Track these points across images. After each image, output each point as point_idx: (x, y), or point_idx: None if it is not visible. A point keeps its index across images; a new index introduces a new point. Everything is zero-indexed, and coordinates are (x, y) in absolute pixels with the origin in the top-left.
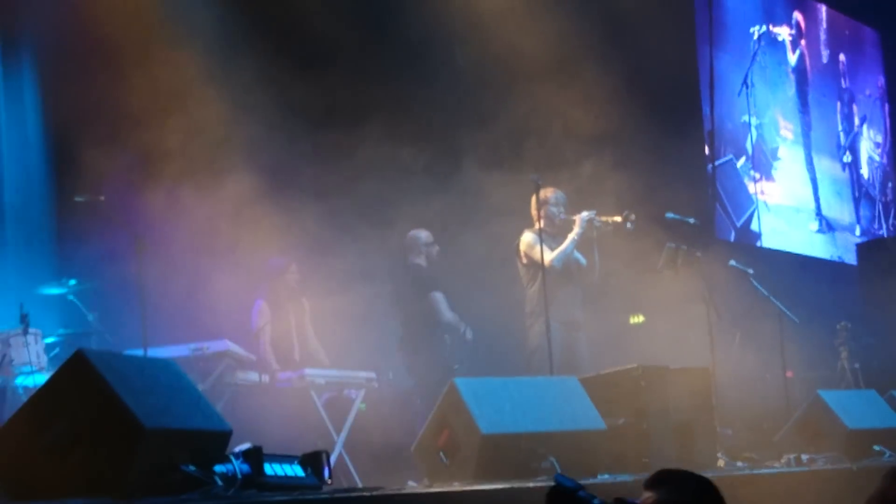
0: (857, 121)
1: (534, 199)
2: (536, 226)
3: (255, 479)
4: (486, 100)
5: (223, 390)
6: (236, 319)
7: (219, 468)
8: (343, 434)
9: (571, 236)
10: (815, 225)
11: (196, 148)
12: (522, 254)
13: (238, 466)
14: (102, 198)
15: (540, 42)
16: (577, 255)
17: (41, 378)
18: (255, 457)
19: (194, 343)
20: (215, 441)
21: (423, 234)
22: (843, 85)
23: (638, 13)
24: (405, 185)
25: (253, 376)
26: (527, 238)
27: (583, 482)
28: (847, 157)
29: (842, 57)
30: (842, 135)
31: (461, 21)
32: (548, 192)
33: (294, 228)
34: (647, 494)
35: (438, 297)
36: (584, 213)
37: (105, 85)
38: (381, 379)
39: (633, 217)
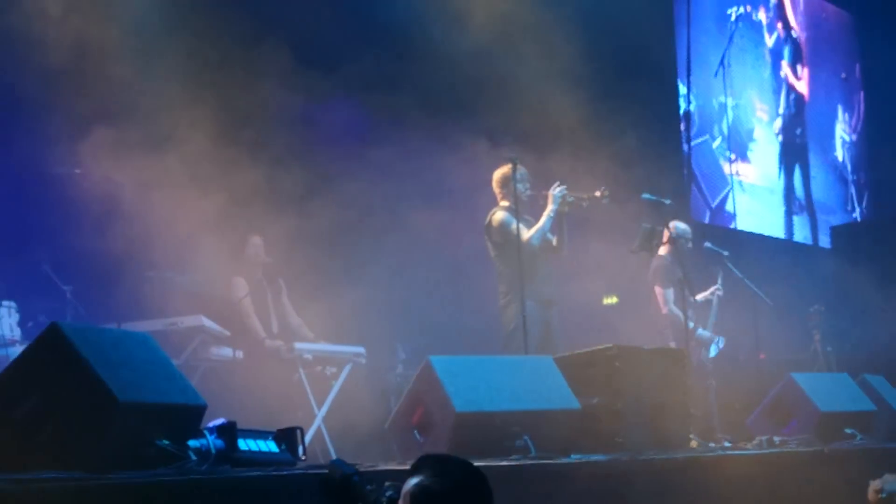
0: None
1: (500, 176)
2: (502, 203)
3: (229, 454)
4: (461, 79)
5: (197, 365)
6: (212, 295)
7: (193, 443)
8: (323, 409)
9: (547, 213)
10: (789, 206)
11: (171, 118)
12: (495, 232)
13: (212, 441)
14: (78, 170)
15: (516, 20)
16: (547, 232)
17: (15, 351)
18: (229, 432)
19: (168, 318)
20: (190, 416)
21: (679, 228)
22: (819, 67)
23: None
24: (392, 162)
25: (227, 352)
26: (499, 216)
27: (556, 461)
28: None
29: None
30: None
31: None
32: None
33: (274, 203)
34: (412, 480)
35: (668, 292)
36: (557, 190)
37: (80, 55)
38: (368, 354)
39: (607, 192)
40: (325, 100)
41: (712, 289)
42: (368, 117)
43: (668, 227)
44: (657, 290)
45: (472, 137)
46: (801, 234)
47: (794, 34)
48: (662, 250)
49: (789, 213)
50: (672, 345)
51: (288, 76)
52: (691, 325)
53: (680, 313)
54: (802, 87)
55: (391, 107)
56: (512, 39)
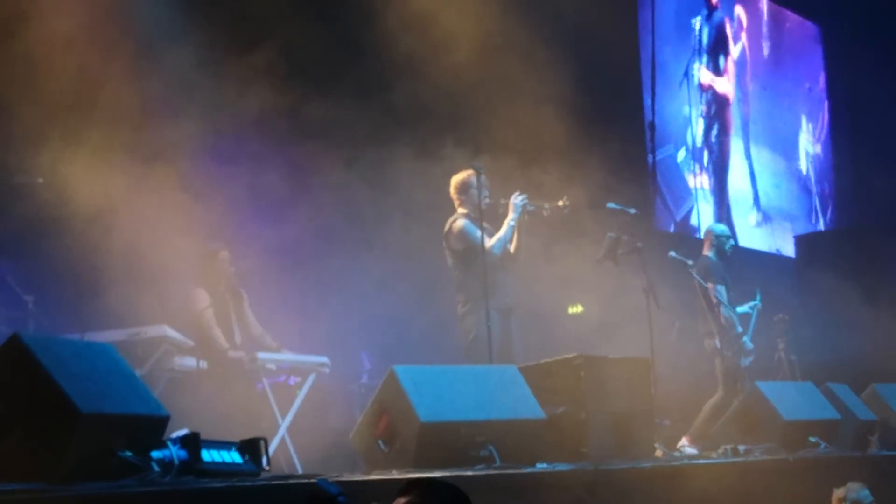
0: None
1: (458, 182)
2: (461, 210)
3: (193, 465)
4: (420, 87)
5: (161, 376)
6: (175, 305)
7: (156, 454)
8: (287, 419)
9: (508, 222)
10: (753, 217)
11: (137, 128)
12: (455, 240)
13: (175, 452)
14: (41, 180)
15: (479, 31)
16: None
17: None
18: (192, 443)
19: (132, 328)
20: (153, 426)
21: (718, 229)
22: (783, 78)
23: (580, 2)
24: (343, 169)
25: (190, 362)
26: (460, 224)
27: (521, 471)
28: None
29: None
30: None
31: (402, 14)
32: (473, 176)
33: (238, 212)
34: (400, 499)
35: (720, 289)
36: (518, 198)
37: (40, 66)
38: (333, 364)
39: (569, 202)
40: (299, 114)
41: (751, 303)
42: (343, 130)
43: (707, 231)
44: (710, 286)
45: (442, 150)
46: (766, 243)
47: (718, 15)
48: (706, 250)
49: (756, 224)
50: (716, 345)
51: (267, 89)
52: (739, 329)
53: (733, 312)
54: (724, 85)
55: (367, 121)
56: (482, 51)
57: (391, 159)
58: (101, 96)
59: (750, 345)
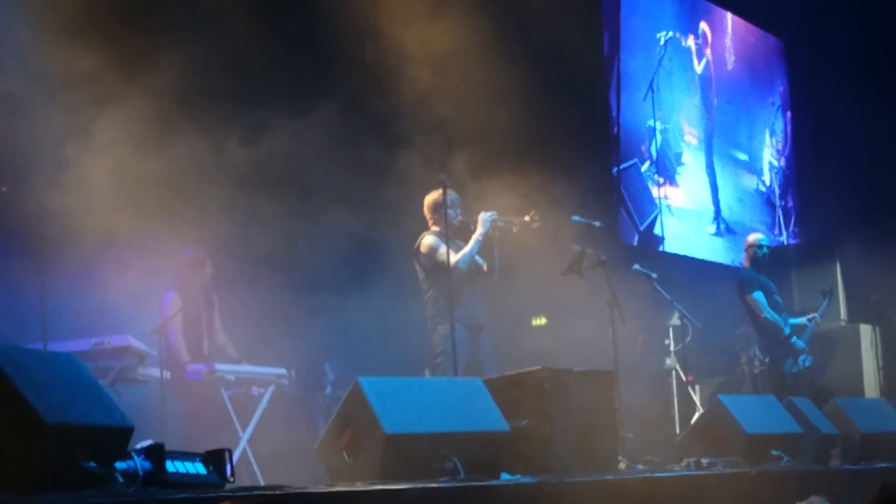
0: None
1: (430, 201)
2: (433, 228)
3: (157, 476)
4: (388, 97)
5: (125, 386)
6: (139, 314)
7: (120, 465)
8: (248, 431)
9: (475, 237)
10: (712, 227)
11: (99, 135)
12: (423, 257)
13: (139, 463)
14: (4, 189)
15: (445, 42)
16: (477, 256)
17: None
18: (156, 454)
19: (95, 337)
20: (117, 437)
21: (751, 238)
22: (747, 92)
23: (546, 15)
24: (317, 173)
25: (154, 372)
26: (428, 241)
27: (485, 483)
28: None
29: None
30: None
31: (371, 20)
32: (445, 195)
33: (204, 218)
34: None
35: (758, 296)
36: (487, 214)
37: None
38: (290, 376)
39: (537, 217)
40: (265, 120)
41: (811, 315)
42: (314, 140)
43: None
44: (747, 297)
45: (409, 161)
46: (729, 256)
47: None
48: (745, 262)
49: (716, 234)
50: (756, 354)
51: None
52: (787, 331)
53: (778, 316)
54: None
55: (332, 128)
56: (439, 58)
57: (358, 168)
58: (64, 99)
59: (801, 344)
